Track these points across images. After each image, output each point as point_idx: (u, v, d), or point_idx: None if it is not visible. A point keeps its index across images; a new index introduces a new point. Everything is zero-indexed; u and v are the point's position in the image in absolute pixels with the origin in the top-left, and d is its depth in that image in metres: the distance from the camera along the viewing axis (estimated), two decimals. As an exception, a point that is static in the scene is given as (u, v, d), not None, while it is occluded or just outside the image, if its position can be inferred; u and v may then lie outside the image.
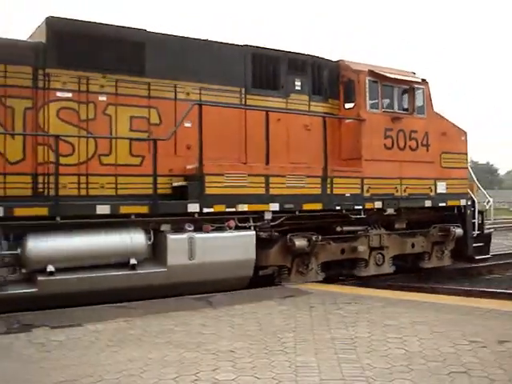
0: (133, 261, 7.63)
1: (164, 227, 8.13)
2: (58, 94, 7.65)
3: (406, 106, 10.55)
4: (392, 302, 7.35)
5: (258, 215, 8.78)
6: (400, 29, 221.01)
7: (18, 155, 7.39)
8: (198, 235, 8.14)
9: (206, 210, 8.16)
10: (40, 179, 7.50)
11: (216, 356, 4.79)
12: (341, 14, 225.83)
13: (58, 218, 7.14)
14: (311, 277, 9.51)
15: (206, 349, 5.03)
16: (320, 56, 10.13)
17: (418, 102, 10.58)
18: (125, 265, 7.69)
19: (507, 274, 12.17)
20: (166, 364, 4.57)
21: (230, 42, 9.17)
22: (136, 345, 5.23)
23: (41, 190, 7.51)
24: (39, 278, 7.04)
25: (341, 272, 10.31)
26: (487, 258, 11.85)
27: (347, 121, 10.06)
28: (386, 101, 10.36)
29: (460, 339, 5.22)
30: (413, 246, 10.83)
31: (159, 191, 8.02)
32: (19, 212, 6.93)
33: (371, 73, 9.99)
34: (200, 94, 8.75)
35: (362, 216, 9.82)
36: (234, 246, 8.44)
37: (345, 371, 4.28)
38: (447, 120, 11.16)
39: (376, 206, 9.93)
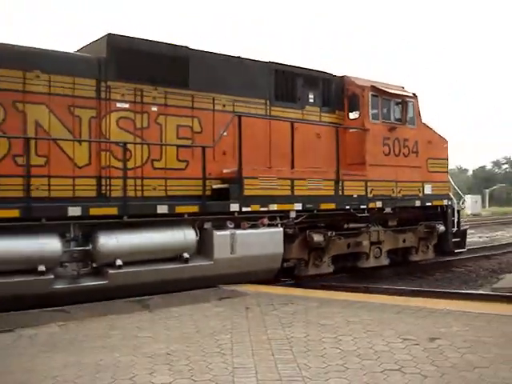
0: (186, 255, 8.53)
1: (206, 225, 9.05)
2: (118, 104, 8.44)
3: (398, 117, 11.95)
4: (327, 302, 7.45)
5: (284, 214, 9.86)
6: (400, 29, 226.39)
7: (85, 160, 8.12)
8: (238, 232, 9.12)
9: (244, 209, 9.16)
10: (103, 182, 8.27)
11: (152, 359, 4.75)
12: (341, 14, 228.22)
13: (125, 217, 7.95)
14: (324, 268, 10.72)
15: (142, 352, 4.99)
16: (328, 72, 11.34)
17: (410, 114, 12.02)
18: (174, 259, 8.59)
19: (437, 273, 12.68)
20: (101, 368, 4.52)
21: (257, 59, 10.20)
22: (70, 350, 5.13)
23: (103, 191, 8.27)
24: (110, 271, 7.82)
25: (345, 264, 11.56)
26: (464, 251, 13.47)
27: (352, 130, 11.33)
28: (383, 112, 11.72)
29: (393, 337, 5.34)
30: (404, 241, 12.29)
31: (200, 193, 8.95)
32: (93, 211, 7.70)
33: (373, 88, 11.32)
34: (233, 105, 9.74)
35: (366, 214, 11.13)
36: (267, 242, 9.48)
37: (282, 372, 4.34)
38: (432, 129, 12.69)
39: (377, 206, 11.26)
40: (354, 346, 5.09)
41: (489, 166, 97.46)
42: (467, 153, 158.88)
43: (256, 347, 5.08)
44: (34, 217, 7.22)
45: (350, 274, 11.37)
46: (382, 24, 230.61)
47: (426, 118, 12.51)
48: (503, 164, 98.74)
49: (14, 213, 7.09)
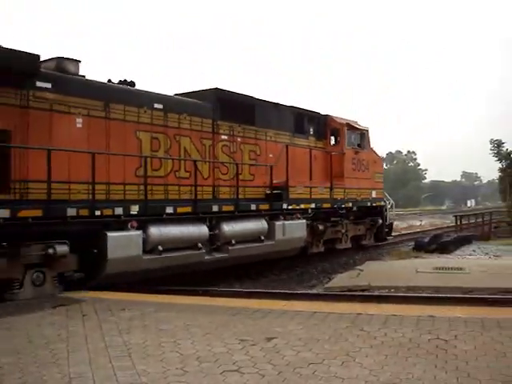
0: (262, 237, 12.87)
1: (266, 217, 13.43)
2: (222, 137, 12.51)
3: (358, 143, 17.31)
4: (165, 306, 7.43)
5: (305, 210, 14.58)
6: (400, 29, 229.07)
7: (207, 174, 12.08)
8: (286, 222, 13.65)
9: (289, 207, 13.73)
10: (215, 189, 12.28)
11: (-19, 376, 4.41)
12: (341, 14, 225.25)
13: (236, 212, 12.10)
14: (320, 248, 15.65)
15: None
16: (318, 112, 16.31)
17: (365, 142, 17.47)
18: (254, 240, 12.83)
19: (273, 274, 13.47)
20: None
21: (286, 104, 14.81)
22: None
23: (215, 195, 12.28)
24: (230, 248, 11.89)
25: (327, 246, 16.55)
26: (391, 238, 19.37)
27: (333, 153, 16.40)
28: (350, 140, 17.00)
29: (231, 339, 5.41)
30: (359, 230, 17.71)
31: (258, 196, 13.34)
32: (225, 208, 11.74)
33: (347, 124, 16.57)
34: (275, 137, 14.23)
35: (344, 212, 16.28)
36: (299, 228, 14.14)
37: (120, 379, 4.27)
38: (376, 152, 18.33)
39: (349, 206, 16.48)
40: (193, 350, 5.10)
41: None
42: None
43: (93, 355, 4.96)
44: (196, 212, 11.11)
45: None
46: (381, 24, 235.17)
47: (373, 142, 18.14)
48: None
49: (188, 209, 10.94)
